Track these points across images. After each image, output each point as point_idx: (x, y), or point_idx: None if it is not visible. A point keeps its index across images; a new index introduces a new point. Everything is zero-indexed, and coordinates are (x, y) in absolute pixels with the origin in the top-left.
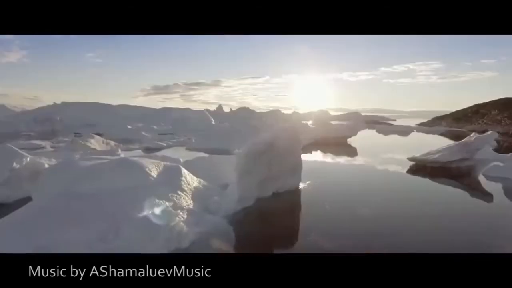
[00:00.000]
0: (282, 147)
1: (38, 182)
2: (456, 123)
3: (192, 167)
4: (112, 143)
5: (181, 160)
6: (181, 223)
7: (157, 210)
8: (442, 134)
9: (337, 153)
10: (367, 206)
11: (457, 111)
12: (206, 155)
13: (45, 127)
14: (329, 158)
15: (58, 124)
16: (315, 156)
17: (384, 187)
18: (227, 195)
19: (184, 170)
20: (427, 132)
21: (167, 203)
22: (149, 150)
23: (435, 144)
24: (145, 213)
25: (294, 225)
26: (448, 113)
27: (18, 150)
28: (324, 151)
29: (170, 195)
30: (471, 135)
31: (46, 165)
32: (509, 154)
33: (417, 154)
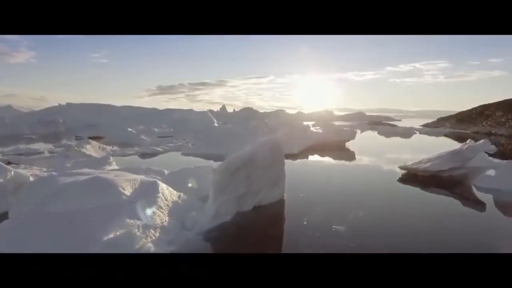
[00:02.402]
0: (262, 160)
1: (16, 199)
2: (460, 124)
3: (175, 179)
4: (109, 148)
5: (166, 172)
6: (149, 243)
7: (125, 230)
8: (445, 136)
9: (332, 158)
10: (346, 221)
11: (462, 112)
12: (201, 160)
13: (49, 129)
14: (321, 165)
15: (60, 126)
16: (309, 162)
17: (371, 199)
18: (205, 209)
19: (162, 186)
20: (430, 134)
21: (138, 222)
22: (144, 156)
23: (436, 146)
24: (112, 234)
25: (270, 239)
26: (454, 113)
27: (2, 164)
28: (319, 156)
29: (143, 213)
30: (467, 141)
31: (31, 178)
32: (504, 162)
33: (409, 162)
